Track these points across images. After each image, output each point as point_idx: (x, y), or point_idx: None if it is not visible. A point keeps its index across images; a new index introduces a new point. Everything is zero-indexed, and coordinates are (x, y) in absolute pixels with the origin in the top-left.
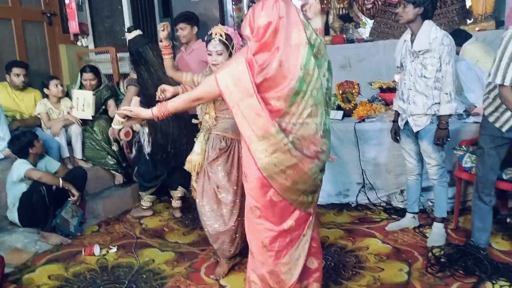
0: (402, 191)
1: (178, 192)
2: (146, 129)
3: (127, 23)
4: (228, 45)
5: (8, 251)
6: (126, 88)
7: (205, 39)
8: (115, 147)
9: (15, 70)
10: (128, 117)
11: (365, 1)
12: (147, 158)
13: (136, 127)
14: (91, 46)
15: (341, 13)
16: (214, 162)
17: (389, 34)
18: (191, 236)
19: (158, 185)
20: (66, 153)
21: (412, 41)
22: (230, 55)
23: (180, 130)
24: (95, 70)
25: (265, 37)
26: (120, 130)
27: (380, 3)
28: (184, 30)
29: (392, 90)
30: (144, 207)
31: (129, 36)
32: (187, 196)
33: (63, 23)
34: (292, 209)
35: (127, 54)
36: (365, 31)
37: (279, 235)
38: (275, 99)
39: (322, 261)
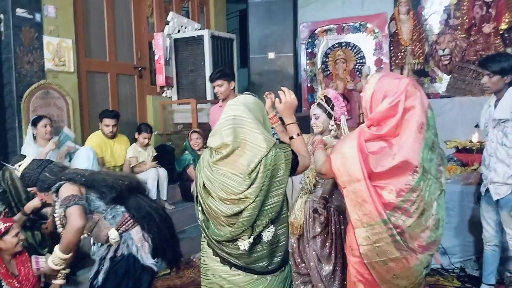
0: (478, 258)
1: None
2: None
3: (208, 76)
4: (326, 107)
5: None
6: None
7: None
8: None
9: (106, 121)
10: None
11: (442, 57)
12: None
13: None
14: (174, 97)
15: (416, 68)
16: (317, 236)
17: (466, 91)
18: None
19: None
20: (153, 196)
21: (495, 107)
22: (330, 116)
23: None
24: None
25: (382, 129)
26: None
27: (457, 59)
28: (222, 87)
29: (468, 150)
30: None
31: None
32: None
33: (151, 76)
34: None
35: (206, 105)
36: (441, 86)
37: None
38: (387, 191)
39: None
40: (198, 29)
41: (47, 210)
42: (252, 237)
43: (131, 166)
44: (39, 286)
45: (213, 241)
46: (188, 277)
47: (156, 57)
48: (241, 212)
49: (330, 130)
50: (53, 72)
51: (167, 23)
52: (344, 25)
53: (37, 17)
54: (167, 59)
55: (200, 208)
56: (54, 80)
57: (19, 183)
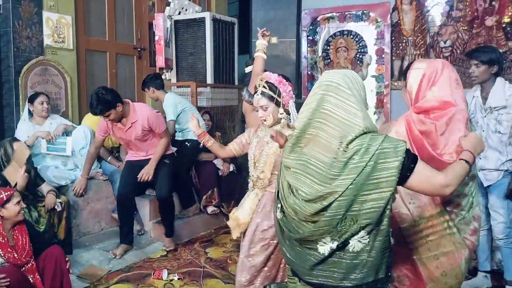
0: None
1: None
2: None
3: (208, 60)
4: (272, 95)
5: (85, 267)
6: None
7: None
8: None
9: None
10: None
11: (443, 49)
12: None
13: None
14: (174, 80)
15: (417, 59)
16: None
17: (466, 84)
18: None
19: None
20: None
21: (484, 98)
22: (278, 104)
23: None
24: None
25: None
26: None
27: (458, 51)
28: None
29: None
30: None
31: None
32: None
33: (151, 58)
34: None
35: (206, 89)
36: None
37: None
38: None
39: None
40: (199, 12)
41: (42, 188)
42: (335, 242)
43: None
44: (33, 256)
45: (291, 241)
46: (185, 259)
47: (156, 38)
48: (325, 209)
49: (281, 119)
50: (52, 49)
51: (168, 4)
52: (346, 13)
53: None
54: (167, 40)
55: (279, 205)
56: (53, 56)
57: (14, 159)
